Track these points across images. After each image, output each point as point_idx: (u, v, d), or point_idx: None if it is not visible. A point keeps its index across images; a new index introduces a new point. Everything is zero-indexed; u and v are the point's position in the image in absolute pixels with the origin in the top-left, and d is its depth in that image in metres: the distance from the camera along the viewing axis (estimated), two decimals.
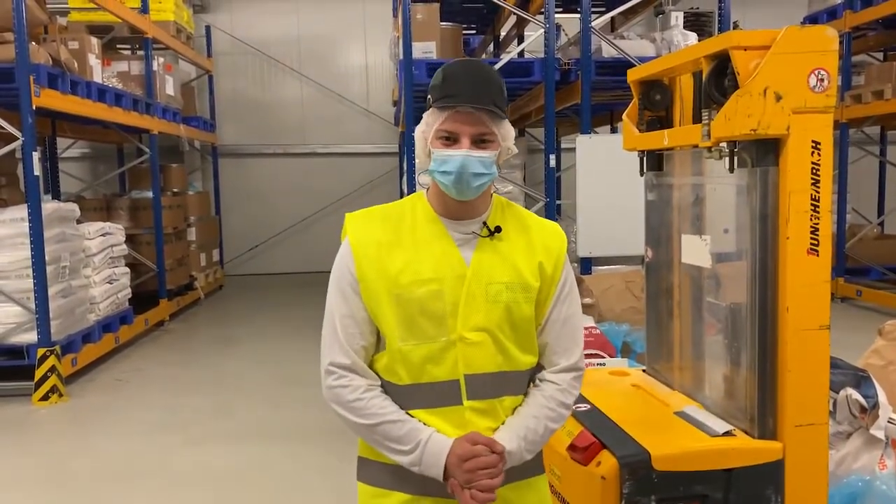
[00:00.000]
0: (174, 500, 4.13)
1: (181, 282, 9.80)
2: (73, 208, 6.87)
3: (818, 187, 2.10)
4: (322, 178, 12.82)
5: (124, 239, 7.92)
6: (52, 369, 5.89)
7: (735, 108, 2.06)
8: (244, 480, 4.33)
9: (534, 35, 6.79)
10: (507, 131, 1.75)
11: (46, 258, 6.01)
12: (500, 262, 1.77)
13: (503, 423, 1.77)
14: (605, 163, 5.85)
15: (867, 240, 9.82)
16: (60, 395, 5.92)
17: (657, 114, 2.68)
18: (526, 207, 2.28)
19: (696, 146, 2.31)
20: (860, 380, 2.82)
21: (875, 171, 10.75)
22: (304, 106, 12.93)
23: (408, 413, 1.74)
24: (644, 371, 2.91)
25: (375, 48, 12.57)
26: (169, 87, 9.50)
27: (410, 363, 1.74)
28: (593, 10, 6.58)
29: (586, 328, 4.24)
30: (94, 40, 7.36)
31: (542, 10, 6.52)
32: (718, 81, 2.18)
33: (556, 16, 6.68)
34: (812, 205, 2.10)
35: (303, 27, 12.75)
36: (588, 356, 3.85)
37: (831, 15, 9.10)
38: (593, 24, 6.51)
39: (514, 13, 7.07)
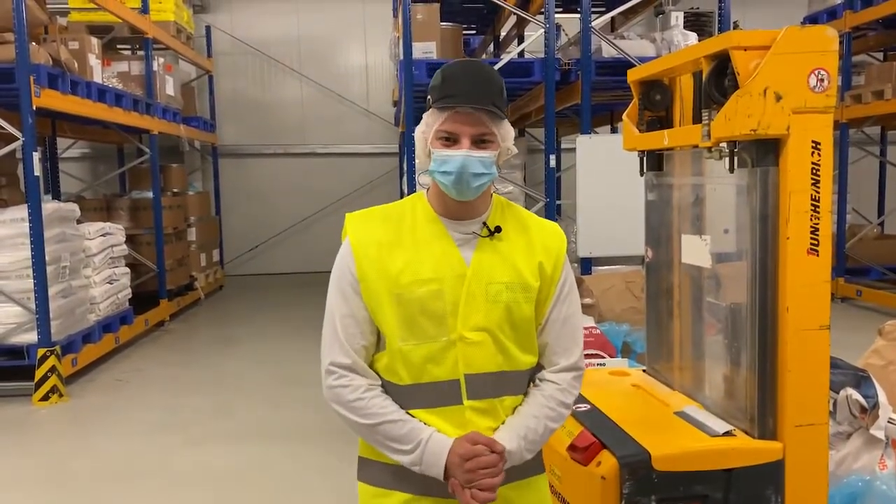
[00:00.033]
0: (174, 500, 4.14)
1: (181, 282, 9.80)
2: (74, 208, 6.87)
3: (818, 187, 2.10)
4: (322, 178, 12.82)
5: (124, 239, 7.92)
6: (53, 369, 5.89)
7: (735, 108, 2.06)
8: (244, 480, 4.33)
9: (534, 35, 6.79)
10: (506, 131, 1.76)
11: (47, 258, 6.01)
12: (500, 262, 1.77)
13: (503, 423, 1.78)
14: (605, 163, 5.85)
15: (867, 240, 9.82)
16: (60, 396, 5.92)
17: (657, 114, 2.68)
18: (526, 207, 2.28)
19: (696, 146, 2.32)
20: (860, 380, 2.82)
21: (875, 171, 10.75)
22: (304, 106, 12.93)
23: (408, 413, 1.74)
24: (644, 371, 2.91)
25: (375, 48, 12.58)
26: (169, 88, 9.50)
27: (411, 363, 1.74)
28: (593, 10, 6.58)
29: (586, 328, 4.24)
30: (95, 40, 7.36)
31: (542, 10, 6.52)
32: (718, 81, 2.18)
33: (556, 16, 6.68)
34: (812, 205, 2.10)
35: (303, 27, 12.75)
36: (588, 356, 3.85)
37: (831, 15, 9.10)
38: (593, 24, 6.51)
39: (515, 13, 7.07)
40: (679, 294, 2.70)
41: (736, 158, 2.15)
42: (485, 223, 1.80)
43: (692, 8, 7.52)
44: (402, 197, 4.67)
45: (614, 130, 10.42)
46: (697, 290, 2.58)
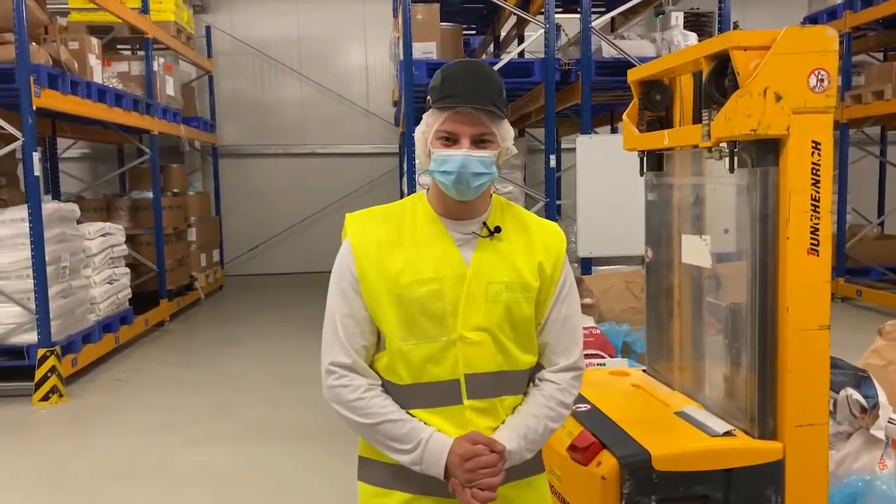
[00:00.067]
0: (174, 500, 4.14)
1: (181, 282, 9.80)
2: (74, 208, 6.87)
3: (818, 187, 2.10)
4: (322, 178, 12.82)
5: (124, 239, 7.92)
6: (53, 370, 5.89)
7: (735, 108, 2.06)
8: (244, 480, 4.33)
9: (534, 35, 6.79)
10: (506, 131, 1.76)
11: (47, 258, 6.01)
12: (499, 262, 1.78)
13: (503, 423, 1.78)
14: (605, 163, 5.85)
15: (867, 240, 9.82)
16: (60, 396, 5.92)
17: (657, 114, 2.68)
18: (526, 208, 2.29)
19: (696, 146, 2.32)
20: (860, 380, 2.82)
21: (875, 171, 10.75)
22: (304, 106, 12.93)
23: (408, 412, 1.74)
24: (644, 371, 2.91)
25: (375, 48, 12.58)
26: (169, 88, 9.50)
27: (411, 363, 1.74)
28: (593, 10, 6.58)
29: (586, 328, 4.24)
30: (95, 41, 7.37)
31: (543, 10, 6.52)
32: (718, 81, 2.18)
33: (556, 16, 6.68)
34: (812, 205, 2.10)
35: (303, 27, 12.75)
36: (588, 356, 3.85)
37: (831, 15, 9.10)
38: (593, 24, 6.51)
39: (515, 13, 7.08)
40: (679, 294, 2.70)
41: (736, 158, 2.15)
42: (485, 223, 1.80)
43: (692, 8, 7.52)
44: (402, 197, 4.68)
45: (614, 130, 10.42)
46: (697, 290, 2.58)
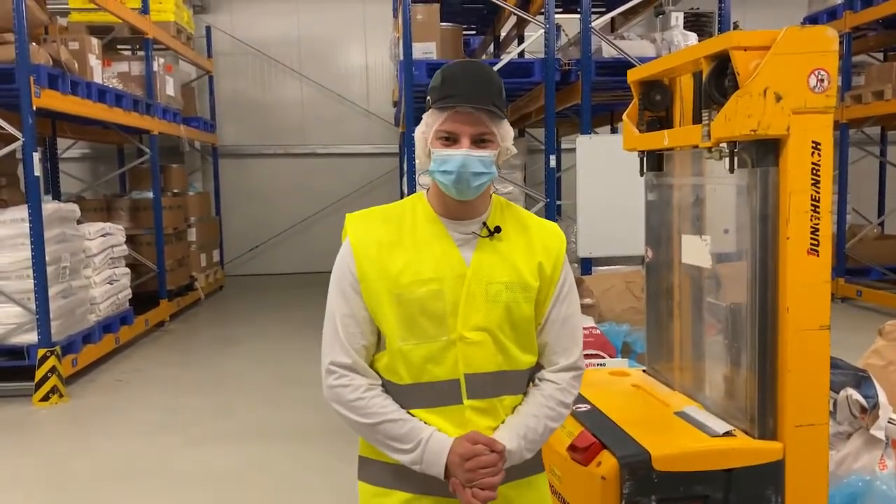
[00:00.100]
0: (174, 501, 4.14)
1: (181, 282, 9.80)
2: (74, 209, 6.87)
3: (818, 188, 2.10)
4: (322, 178, 12.82)
5: (124, 239, 7.93)
6: (53, 370, 5.89)
7: (735, 108, 2.06)
8: (244, 480, 4.33)
9: (534, 35, 6.79)
10: (506, 131, 1.76)
11: (47, 259, 6.01)
12: (499, 262, 1.78)
13: (503, 422, 1.78)
14: (605, 163, 5.85)
15: (867, 240, 9.82)
16: (61, 396, 5.92)
17: (657, 114, 2.68)
18: (526, 208, 2.29)
19: (696, 146, 2.32)
20: (860, 380, 2.82)
21: (875, 172, 10.75)
22: (304, 106, 12.93)
23: (409, 412, 1.74)
24: (644, 371, 2.91)
25: (375, 49, 12.58)
26: (169, 88, 9.50)
27: (411, 363, 1.74)
28: (593, 10, 6.58)
29: (586, 328, 4.24)
30: (95, 41, 7.37)
31: (543, 10, 6.52)
32: (718, 82, 2.18)
33: (556, 16, 6.68)
34: (812, 205, 2.10)
35: (303, 28, 12.75)
36: (588, 356, 3.85)
37: (831, 15, 9.10)
38: (593, 24, 6.51)
39: (515, 14, 7.08)
40: (679, 294, 2.70)
41: (736, 159, 2.15)
42: (484, 223, 1.80)
43: (692, 8, 7.52)
44: (402, 197, 4.68)
45: (614, 130, 10.42)
46: (697, 291, 2.58)
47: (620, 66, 5.87)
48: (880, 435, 2.73)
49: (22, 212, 6.11)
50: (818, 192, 2.10)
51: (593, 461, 2.16)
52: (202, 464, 4.59)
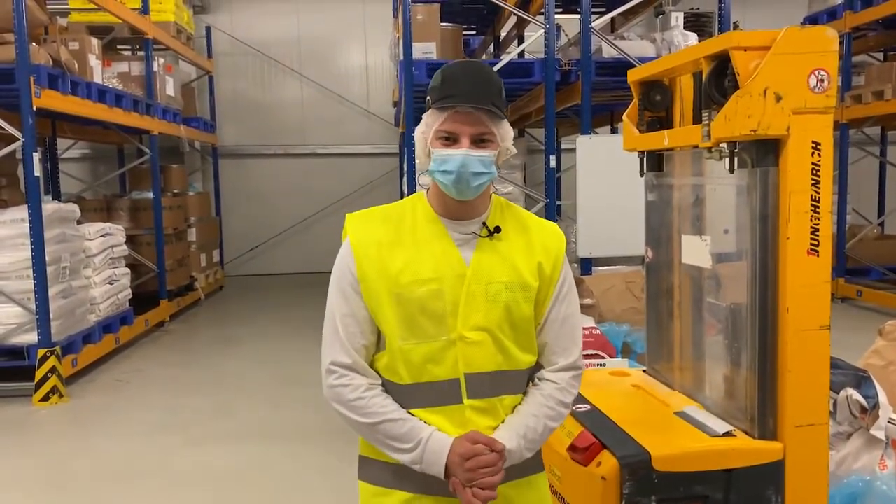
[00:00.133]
0: (174, 501, 4.14)
1: (181, 282, 9.80)
2: (74, 209, 6.88)
3: (818, 188, 2.10)
4: (322, 178, 12.82)
5: (125, 240, 7.93)
6: (53, 370, 5.89)
7: (735, 108, 2.06)
8: (244, 480, 4.33)
9: (534, 36, 6.79)
10: (505, 131, 1.76)
11: (47, 259, 6.01)
12: (499, 262, 1.78)
13: (503, 422, 1.78)
14: (605, 163, 5.85)
15: (867, 240, 9.82)
16: (61, 396, 5.92)
17: (657, 114, 2.68)
18: (526, 208, 2.29)
19: (696, 147, 2.32)
20: (860, 380, 2.82)
21: (875, 172, 10.76)
22: (304, 107, 12.93)
23: (409, 412, 1.75)
24: (644, 371, 2.91)
25: (376, 49, 12.58)
26: (169, 88, 9.50)
27: (411, 362, 1.74)
28: (593, 10, 6.58)
29: (586, 328, 4.24)
30: (95, 41, 7.37)
31: (543, 10, 6.52)
32: (718, 82, 2.18)
33: (557, 16, 6.68)
34: (812, 205, 2.10)
35: (303, 28, 12.75)
36: (588, 357, 3.85)
37: (831, 15, 9.10)
38: (593, 24, 6.51)
39: (515, 14, 7.08)
40: (679, 294, 2.70)
41: (736, 159, 2.15)
42: (484, 223, 1.80)
43: (692, 8, 7.52)
44: (402, 197, 4.68)
45: (614, 131, 10.43)
46: (697, 291, 2.58)
47: (620, 67, 5.87)
48: (880, 435, 2.73)
49: (22, 212, 6.11)
50: (818, 193, 2.10)
51: (593, 461, 2.16)
52: (202, 464, 4.59)
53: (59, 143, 10.04)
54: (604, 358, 4.00)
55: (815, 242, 2.11)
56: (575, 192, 6.22)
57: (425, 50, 6.49)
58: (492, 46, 9.70)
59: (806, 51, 2.04)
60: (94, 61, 7.17)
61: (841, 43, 8.41)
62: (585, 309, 4.77)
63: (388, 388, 1.78)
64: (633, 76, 2.68)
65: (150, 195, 8.95)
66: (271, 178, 12.89)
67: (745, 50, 2.06)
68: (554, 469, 2.32)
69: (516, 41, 9.24)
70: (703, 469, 2.12)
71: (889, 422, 2.76)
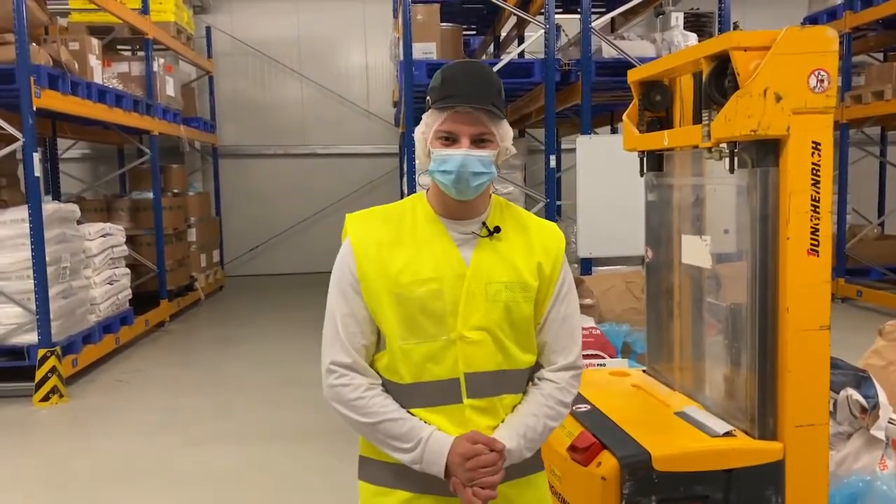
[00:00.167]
0: (174, 501, 4.14)
1: (181, 282, 9.80)
2: (74, 209, 6.88)
3: (818, 188, 2.10)
4: (322, 178, 12.82)
5: (125, 240, 7.93)
6: (53, 370, 5.89)
7: (735, 108, 2.06)
8: (244, 480, 4.33)
9: (534, 36, 6.79)
10: (505, 131, 1.77)
11: (47, 259, 6.01)
12: (499, 262, 1.78)
13: (503, 422, 1.78)
14: (605, 163, 5.85)
15: (867, 240, 9.82)
16: (61, 396, 5.92)
17: (657, 114, 2.68)
18: (526, 208, 2.29)
19: (696, 147, 2.32)
20: (860, 380, 2.82)
21: (875, 172, 10.76)
22: (304, 107, 12.93)
23: (409, 412, 1.75)
24: (644, 371, 2.91)
25: (376, 49, 12.58)
26: (169, 88, 9.50)
27: (411, 362, 1.74)
28: (593, 10, 6.58)
29: (586, 328, 4.24)
30: (95, 41, 7.37)
31: (543, 10, 6.52)
32: (718, 82, 2.18)
33: (556, 16, 6.68)
34: (812, 205, 2.10)
35: (303, 28, 12.76)
36: (588, 357, 3.85)
37: (831, 15, 9.10)
38: (593, 24, 6.51)
39: (515, 14, 7.08)
40: (679, 294, 2.70)
41: (736, 159, 2.15)
42: (484, 223, 1.80)
43: (692, 8, 7.52)
44: (402, 197, 4.68)
45: (614, 131, 10.43)
46: (698, 291, 2.58)
47: (620, 67, 5.87)
48: (880, 435, 2.73)
49: (22, 212, 6.11)
50: (818, 193, 2.10)
51: (593, 461, 2.16)
52: (202, 464, 4.59)
53: (59, 144, 10.04)
54: (604, 358, 4.00)
55: (815, 242, 2.11)
56: (575, 192, 6.22)
57: (425, 50, 6.49)
58: (492, 46, 9.70)
59: (806, 51, 2.04)
60: (94, 61, 7.17)
61: (841, 43, 8.41)
62: (585, 309, 4.77)
63: (389, 387, 1.78)
64: (633, 76, 2.68)
65: (150, 195, 8.95)
66: (271, 179, 12.89)
67: (745, 50, 2.06)
68: (554, 469, 2.32)
69: (516, 41, 9.24)
70: (704, 469, 2.12)
71: (889, 422, 2.76)
